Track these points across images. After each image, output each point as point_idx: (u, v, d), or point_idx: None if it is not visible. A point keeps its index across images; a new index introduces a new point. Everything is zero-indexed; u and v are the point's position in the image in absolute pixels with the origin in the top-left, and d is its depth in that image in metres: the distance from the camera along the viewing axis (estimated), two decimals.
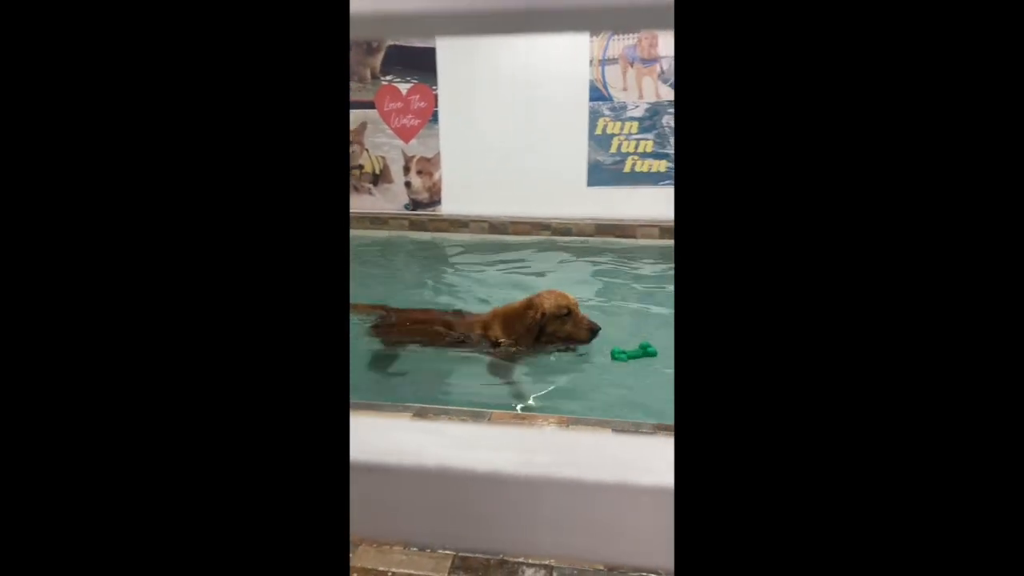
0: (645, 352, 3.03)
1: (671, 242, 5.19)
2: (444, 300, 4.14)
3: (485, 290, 4.26)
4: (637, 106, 5.66)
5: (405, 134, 6.06)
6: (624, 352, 3.04)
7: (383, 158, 6.12)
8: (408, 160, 6.08)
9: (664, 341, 3.08)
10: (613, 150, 5.76)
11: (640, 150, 5.71)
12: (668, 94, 5.57)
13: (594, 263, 5.01)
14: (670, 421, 2.37)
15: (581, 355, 3.12)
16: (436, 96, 5.91)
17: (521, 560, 1.60)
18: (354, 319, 3.41)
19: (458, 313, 3.56)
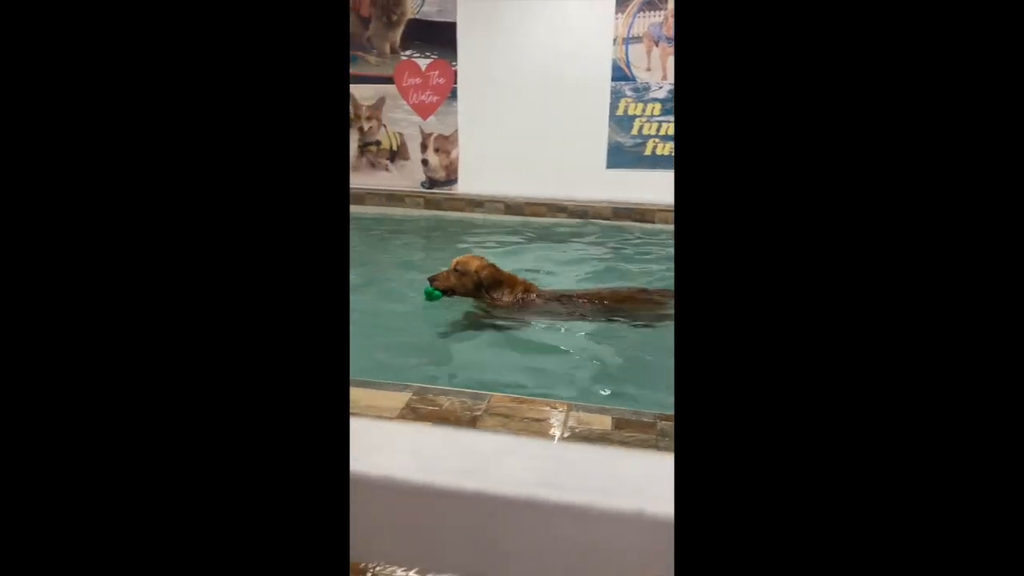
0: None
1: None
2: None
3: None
4: (660, 87, 5.52)
5: (423, 110, 5.99)
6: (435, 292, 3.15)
7: (400, 134, 6.06)
8: (425, 137, 6.02)
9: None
10: (634, 132, 5.64)
11: (662, 133, 5.58)
12: None
13: None
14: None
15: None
16: (455, 72, 5.82)
17: None
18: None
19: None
